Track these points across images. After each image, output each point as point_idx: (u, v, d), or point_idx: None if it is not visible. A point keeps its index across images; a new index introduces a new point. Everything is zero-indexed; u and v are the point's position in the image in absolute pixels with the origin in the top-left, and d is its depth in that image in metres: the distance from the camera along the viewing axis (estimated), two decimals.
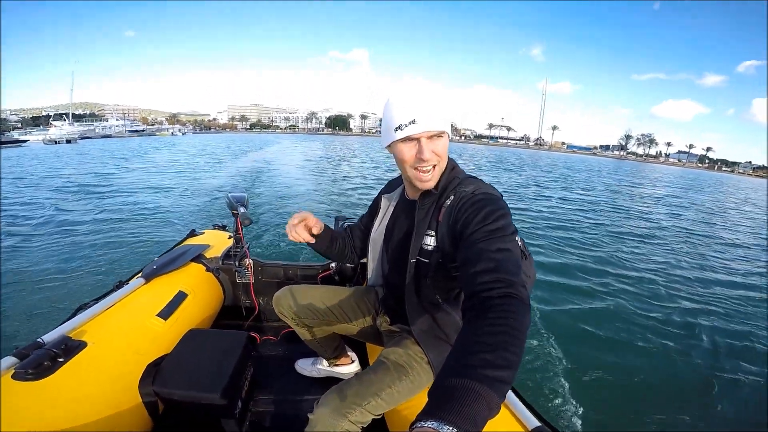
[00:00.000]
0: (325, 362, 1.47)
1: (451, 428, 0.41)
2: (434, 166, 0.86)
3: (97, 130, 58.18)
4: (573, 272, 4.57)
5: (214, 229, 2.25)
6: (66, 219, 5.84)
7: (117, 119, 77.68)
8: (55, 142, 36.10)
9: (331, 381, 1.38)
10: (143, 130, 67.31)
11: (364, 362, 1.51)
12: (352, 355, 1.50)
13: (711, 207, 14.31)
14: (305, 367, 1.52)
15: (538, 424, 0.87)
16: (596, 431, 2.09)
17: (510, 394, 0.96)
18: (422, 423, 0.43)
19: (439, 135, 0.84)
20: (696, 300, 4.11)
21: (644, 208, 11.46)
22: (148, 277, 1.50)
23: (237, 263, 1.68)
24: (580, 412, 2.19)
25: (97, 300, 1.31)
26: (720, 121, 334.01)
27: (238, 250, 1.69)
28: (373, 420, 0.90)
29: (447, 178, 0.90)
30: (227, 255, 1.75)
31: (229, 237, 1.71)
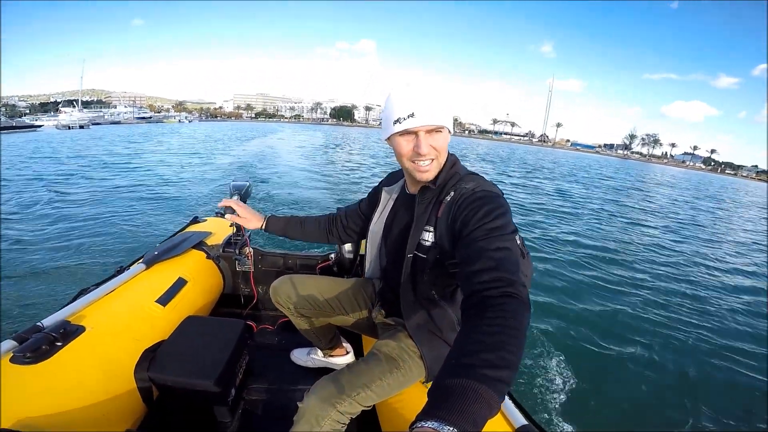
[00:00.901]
0: (320, 352, 1.48)
1: (451, 428, 0.41)
2: (432, 160, 0.87)
3: (106, 117, 59.48)
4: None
5: (217, 216, 2.25)
6: (71, 205, 5.94)
7: (125, 106, 79.18)
8: (69, 128, 37.26)
9: (325, 371, 1.35)
10: (150, 117, 68.27)
11: (359, 354, 1.52)
12: (347, 346, 1.51)
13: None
14: (300, 356, 1.54)
15: (524, 422, 0.87)
16: (583, 430, 2.09)
17: None
18: (422, 423, 0.43)
19: (438, 130, 0.84)
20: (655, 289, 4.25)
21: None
22: (149, 263, 1.51)
23: (237, 251, 1.68)
24: (567, 411, 2.18)
25: (97, 285, 1.32)
26: (732, 124, 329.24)
27: (239, 238, 1.70)
28: (367, 415, 0.90)
29: (447, 174, 0.90)
30: (228, 243, 1.75)
31: (231, 225, 1.70)
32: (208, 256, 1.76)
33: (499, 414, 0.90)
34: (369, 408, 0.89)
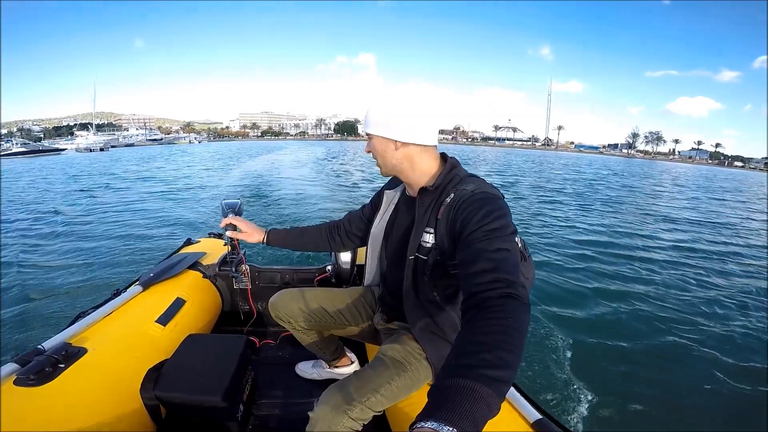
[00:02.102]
0: (325, 364, 1.48)
1: (450, 428, 0.41)
2: (377, 162, 0.96)
3: (120, 140, 61.97)
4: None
5: (210, 237, 2.26)
6: (66, 229, 5.93)
7: (136, 128, 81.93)
8: (90, 150, 39.42)
9: (332, 382, 1.30)
10: (161, 139, 70.90)
11: (363, 362, 1.52)
12: (352, 355, 1.51)
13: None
14: (306, 369, 1.54)
15: (539, 416, 0.87)
16: (598, 426, 2.06)
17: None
18: (422, 423, 0.43)
19: (370, 136, 0.93)
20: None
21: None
22: (146, 285, 1.52)
23: (234, 269, 1.69)
24: (582, 404, 2.16)
25: (96, 308, 1.32)
26: (737, 117, 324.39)
27: (234, 256, 1.70)
28: (376, 419, 0.91)
29: (447, 177, 0.91)
30: (224, 261, 1.75)
31: (225, 244, 1.70)
32: (205, 276, 1.78)
33: (513, 410, 0.92)
34: (379, 413, 0.89)
